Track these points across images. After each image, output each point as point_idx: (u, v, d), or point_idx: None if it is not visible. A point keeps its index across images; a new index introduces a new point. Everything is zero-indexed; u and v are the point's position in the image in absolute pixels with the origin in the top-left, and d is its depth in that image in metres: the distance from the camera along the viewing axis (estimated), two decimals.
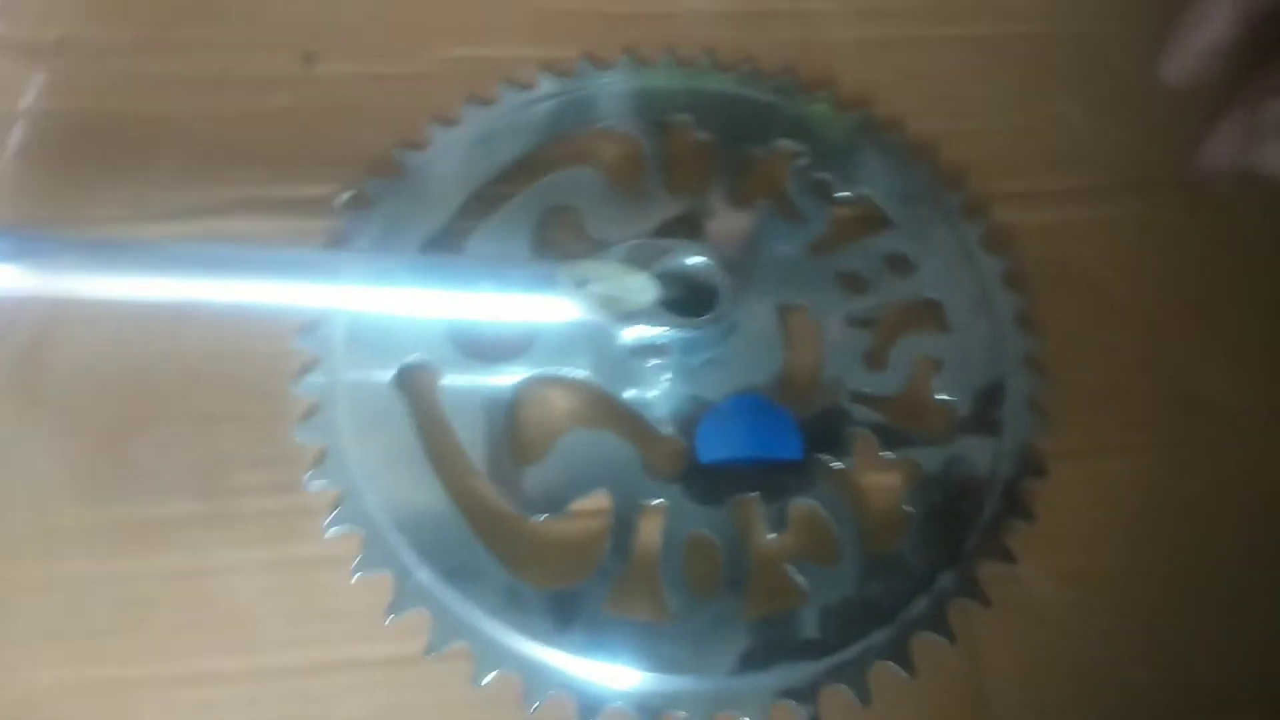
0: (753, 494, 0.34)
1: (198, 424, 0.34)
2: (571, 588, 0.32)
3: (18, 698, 0.32)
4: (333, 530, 0.33)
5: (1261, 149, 0.29)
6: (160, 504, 0.33)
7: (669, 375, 0.35)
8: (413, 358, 0.35)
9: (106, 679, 0.32)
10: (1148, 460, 0.36)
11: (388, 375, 0.35)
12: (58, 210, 0.37)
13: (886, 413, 0.36)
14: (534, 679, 0.31)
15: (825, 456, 0.35)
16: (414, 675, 0.32)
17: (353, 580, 0.32)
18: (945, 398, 0.36)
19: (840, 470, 0.35)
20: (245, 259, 0.33)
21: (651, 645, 0.32)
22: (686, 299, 0.34)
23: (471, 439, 0.34)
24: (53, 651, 0.32)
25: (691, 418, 0.35)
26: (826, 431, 0.35)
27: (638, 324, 0.33)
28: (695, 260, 0.34)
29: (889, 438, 0.35)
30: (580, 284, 0.33)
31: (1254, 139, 0.29)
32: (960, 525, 0.34)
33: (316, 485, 0.33)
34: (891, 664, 0.32)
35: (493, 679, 0.31)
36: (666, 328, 0.33)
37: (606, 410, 0.35)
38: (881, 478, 0.35)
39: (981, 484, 0.35)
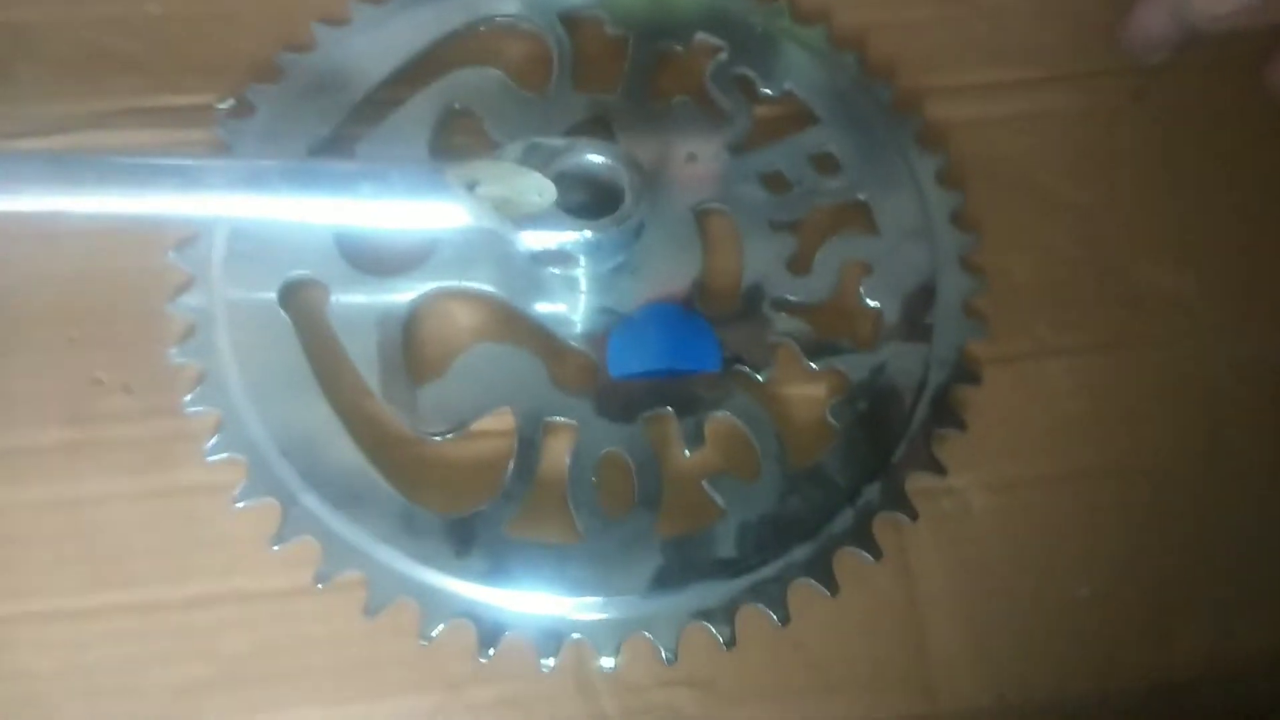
0: (667, 409, 0.32)
1: (67, 348, 0.32)
2: (472, 511, 0.30)
3: None
4: (213, 456, 0.30)
5: None
6: (27, 432, 0.31)
7: (579, 286, 0.33)
8: (298, 273, 0.33)
9: None
10: (1086, 362, 0.34)
11: (271, 293, 0.32)
12: None
13: (811, 320, 0.34)
14: (431, 607, 0.29)
15: (745, 368, 0.33)
16: (304, 607, 0.30)
17: (236, 508, 0.30)
18: (873, 303, 0.34)
19: (761, 382, 0.33)
20: (107, 168, 0.30)
21: (558, 568, 0.30)
22: (590, 201, 0.32)
23: (364, 358, 0.32)
24: None
25: (603, 330, 0.33)
26: (747, 341, 0.33)
27: (536, 229, 0.30)
28: (597, 159, 0.31)
29: (813, 347, 0.33)
30: (470, 186, 0.30)
31: None
32: (887, 436, 0.32)
33: (195, 409, 0.31)
34: (812, 581, 0.30)
35: (387, 609, 0.29)
36: (567, 231, 0.30)
37: (511, 324, 0.33)
38: (805, 389, 0.33)
39: (911, 392, 0.33)
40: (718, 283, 0.34)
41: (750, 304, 0.34)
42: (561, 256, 0.32)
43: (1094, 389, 0.34)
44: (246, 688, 0.29)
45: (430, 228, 0.32)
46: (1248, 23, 0.25)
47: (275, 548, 0.30)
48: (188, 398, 0.31)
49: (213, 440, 0.31)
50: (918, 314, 0.34)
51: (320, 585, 0.30)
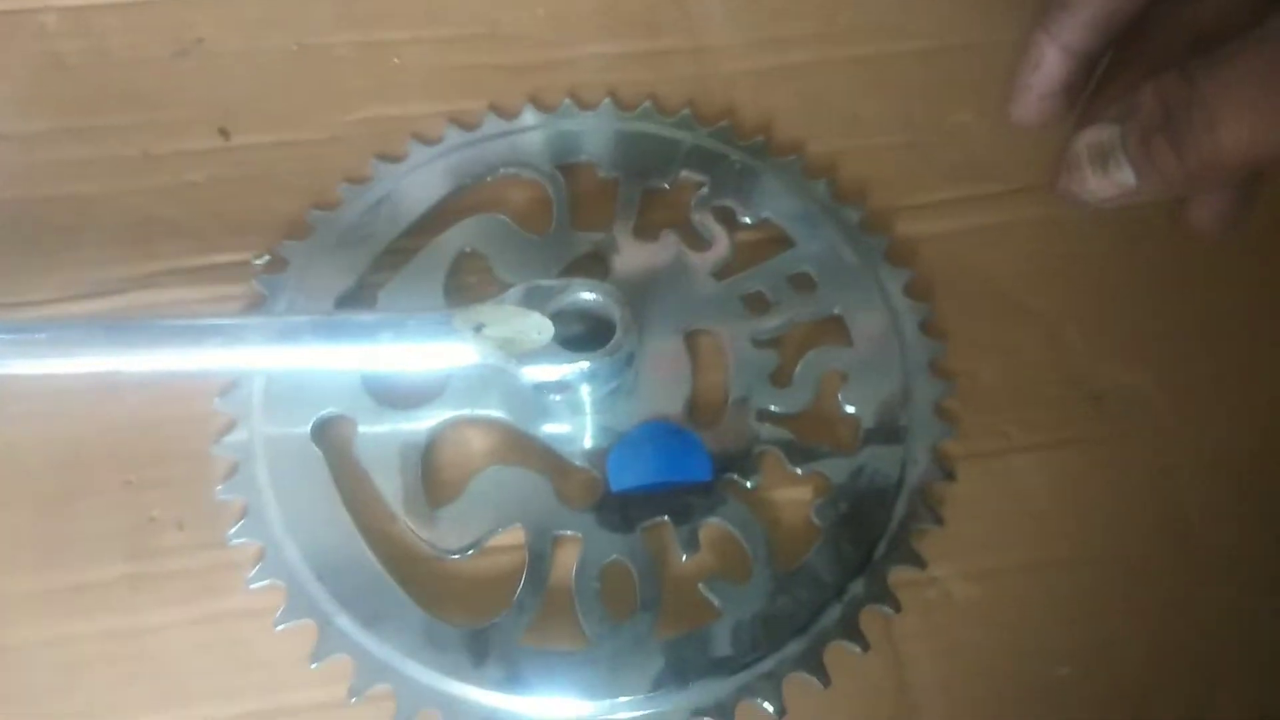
0: (663, 518, 0.35)
1: (125, 490, 0.36)
2: (488, 623, 0.33)
3: None
4: (256, 584, 0.34)
5: (1065, 180, 0.29)
6: (92, 569, 0.35)
7: (582, 408, 0.36)
8: (329, 410, 0.36)
9: None
10: (1053, 456, 0.36)
11: (305, 429, 0.36)
12: None
13: (794, 429, 0.37)
14: (454, 716, 0.32)
15: (734, 476, 0.36)
16: (339, 719, 0.33)
17: (276, 630, 0.33)
18: (851, 410, 0.37)
19: (749, 489, 0.36)
20: (158, 331, 0.34)
21: (568, 673, 0.33)
22: (587, 333, 0.35)
23: (388, 484, 0.35)
24: None
25: (605, 447, 0.36)
26: (735, 452, 0.36)
27: (537, 363, 0.34)
28: (590, 296, 0.35)
29: (797, 453, 0.36)
30: (477, 329, 0.34)
31: (1062, 169, 0.29)
32: (869, 533, 0.35)
33: (239, 540, 0.35)
34: (805, 674, 0.33)
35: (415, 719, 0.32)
36: (565, 365, 0.34)
37: (520, 446, 0.37)
38: (790, 493, 0.36)
39: (889, 491, 0.35)
40: (707, 398, 0.37)
41: (737, 416, 0.37)
42: (562, 385, 0.35)
43: (1062, 482, 0.36)
44: None
45: (444, 367, 0.35)
46: (1135, 201, 0.28)
47: (313, 665, 0.33)
48: (232, 530, 0.35)
49: (255, 569, 0.34)
50: (893, 417, 0.37)
51: (353, 699, 0.33)
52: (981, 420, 0.37)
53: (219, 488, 0.35)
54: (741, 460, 0.36)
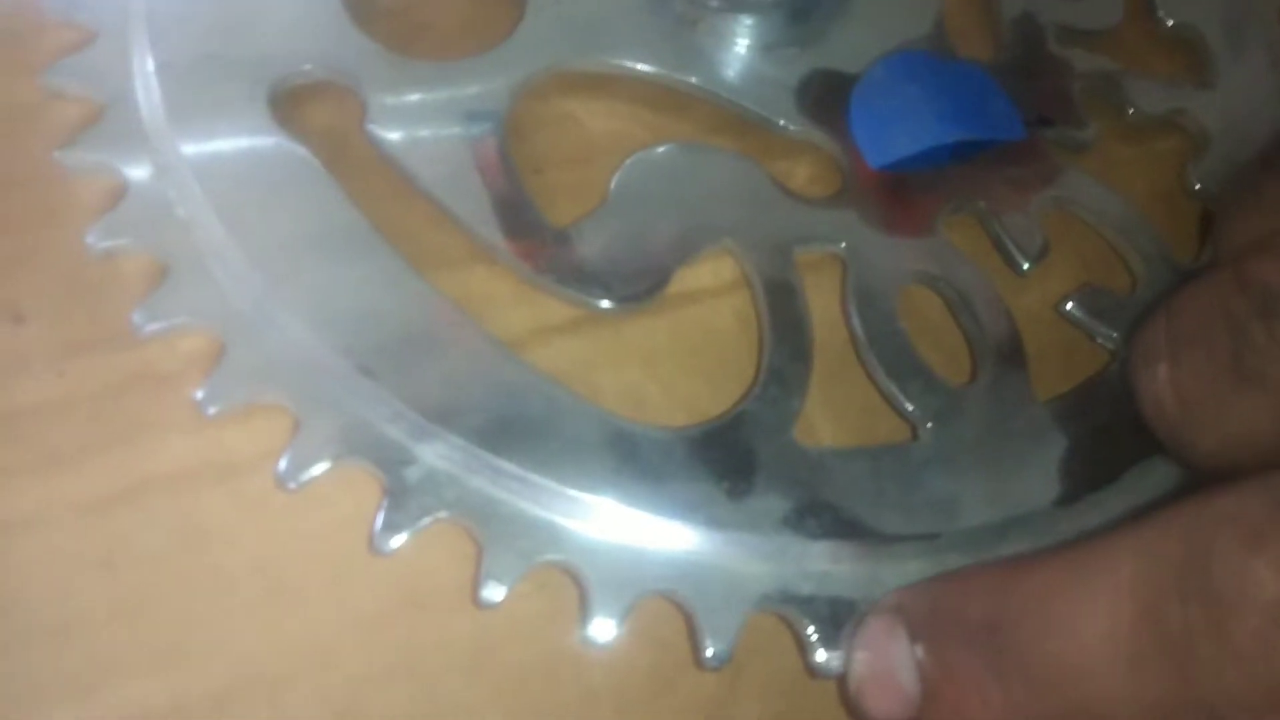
0: (978, 204, 0.19)
1: None
2: (733, 414, 0.17)
3: None
4: (216, 407, 0.15)
5: None
6: None
7: (764, 38, 0.20)
8: (300, 71, 0.18)
9: None
10: None
11: (258, 109, 0.17)
12: None
13: (1111, 54, 0.22)
14: (709, 599, 0.16)
15: (1057, 129, 0.20)
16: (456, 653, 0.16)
17: (293, 486, 0.15)
18: (1173, 22, 0.22)
19: (1084, 145, 0.21)
20: None
21: (905, 488, 0.17)
22: None
23: (456, 200, 0.18)
24: None
25: (826, 99, 0.20)
26: (1046, 92, 0.21)
27: None
28: None
29: (1137, 89, 0.21)
30: None
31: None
32: None
33: (159, 327, 0.16)
34: None
35: (634, 612, 0.15)
36: None
37: (677, 116, 0.20)
38: (1145, 146, 0.21)
39: None
40: (968, 17, 0.22)
41: (1029, 41, 0.21)
42: None
43: None
44: None
45: None
46: None
47: (384, 550, 0.15)
48: (138, 313, 0.16)
49: (211, 380, 0.16)
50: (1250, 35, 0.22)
51: (493, 598, 0.15)
52: None
53: (93, 233, 0.16)
54: (1061, 104, 0.21)
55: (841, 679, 0.16)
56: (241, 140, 0.17)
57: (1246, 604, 0.12)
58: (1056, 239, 0.19)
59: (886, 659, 0.15)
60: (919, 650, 0.15)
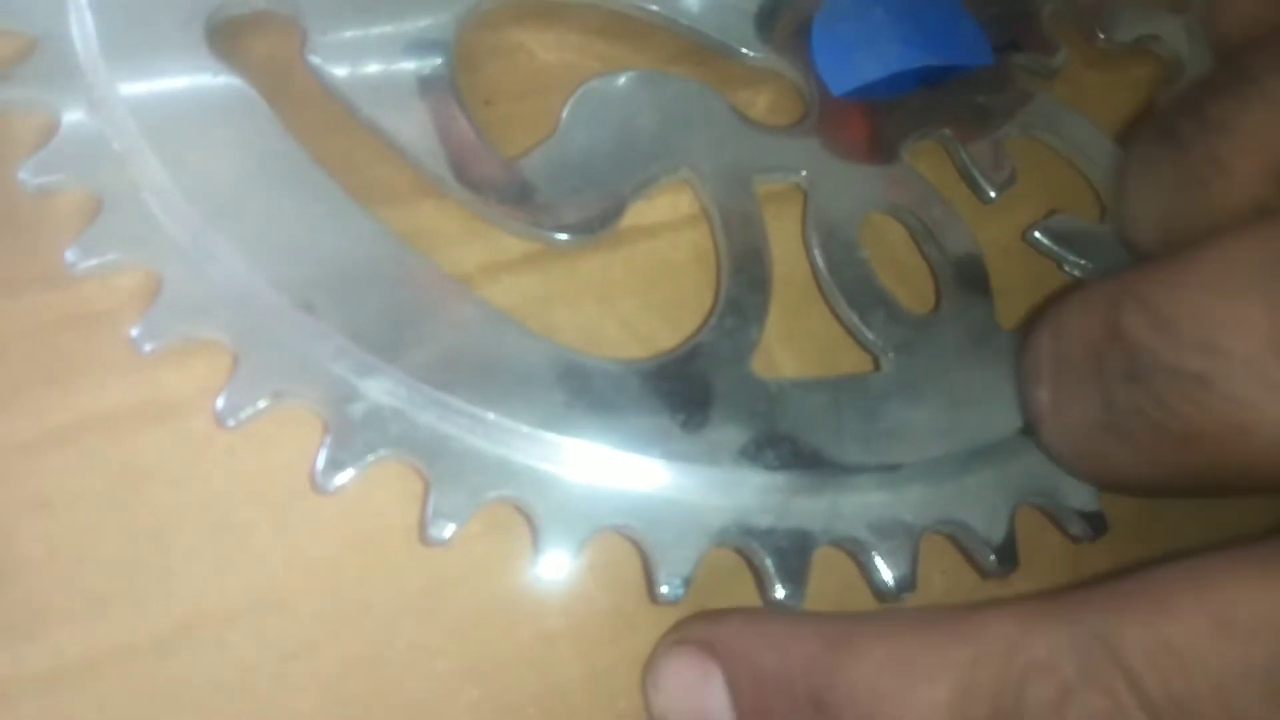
0: (943, 131, 0.19)
1: None
2: (688, 346, 0.16)
3: None
4: (154, 343, 0.15)
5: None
6: None
7: None
8: (234, 1, 0.17)
9: None
10: None
11: (195, 44, 0.17)
12: None
13: None
14: (667, 535, 0.15)
15: (1025, 55, 0.20)
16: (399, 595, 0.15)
17: (233, 424, 0.15)
18: None
19: (1053, 71, 0.20)
20: None
21: (866, 419, 0.16)
22: None
23: (402, 133, 0.17)
24: None
25: (788, 26, 0.19)
26: (1013, 15, 0.20)
27: None
28: None
29: (1108, 14, 0.21)
30: None
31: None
32: None
33: (100, 264, 0.15)
34: None
35: (590, 541, 0.15)
36: None
37: (640, 42, 0.19)
38: (1113, 74, 0.21)
39: None
40: None
41: None
42: None
43: None
44: None
45: None
46: None
47: (327, 487, 0.15)
48: (72, 250, 0.15)
49: (148, 316, 0.15)
50: None
51: (441, 535, 0.15)
52: None
53: (22, 169, 0.16)
54: (1029, 28, 0.20)
55: None
56: (178, 73, 0.17)
57: None
58: (1024, 167, 0.19)
59: (699, 700, 0.14)
60: (737, 704, 0.14)
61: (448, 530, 0.15)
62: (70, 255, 0.15)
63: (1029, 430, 0.16)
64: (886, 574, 0.15)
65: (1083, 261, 0.18)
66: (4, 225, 0.16)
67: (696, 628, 0.15)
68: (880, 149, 0.18)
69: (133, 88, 0.16)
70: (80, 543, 0.15)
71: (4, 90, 0.16)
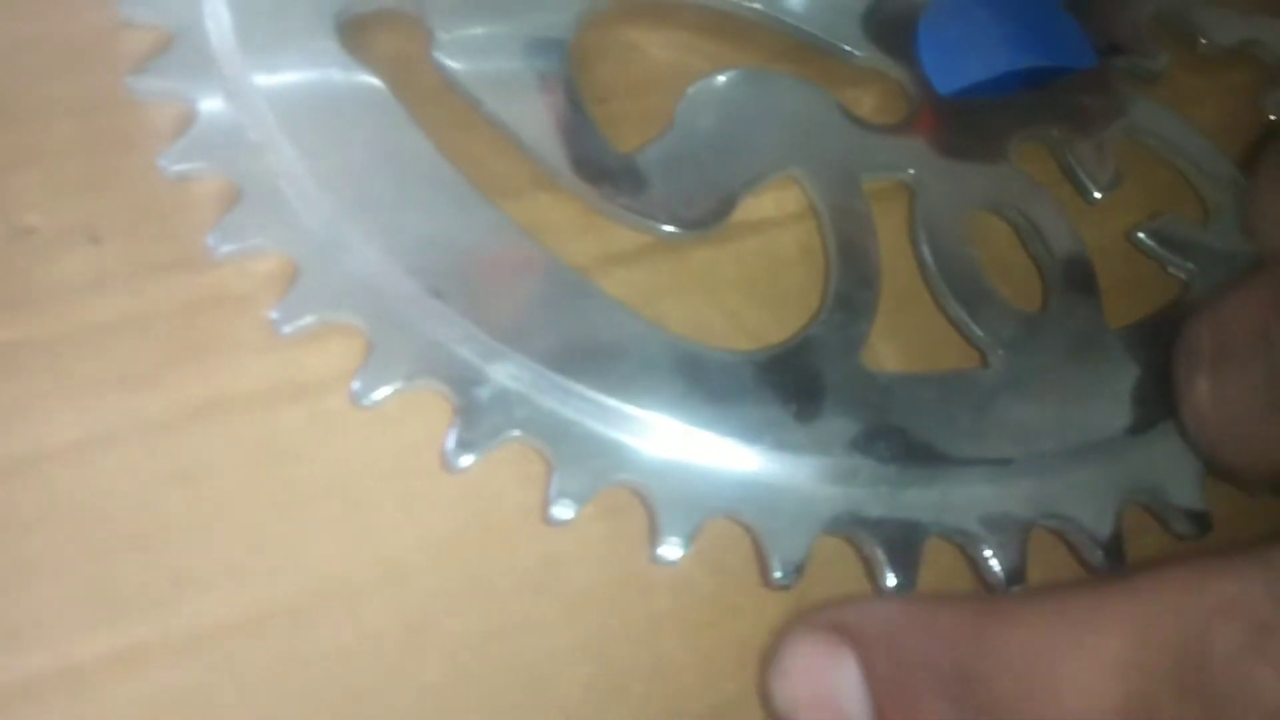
0: (1050, 132, 0.19)
1: None
2: (799, 339, 0.17)
3: None
4: (292, 325, 0.16)
5: None
6: None
7: None
8: (367, 5, 0.18)
9: None
10: None
11: (328, 43, 0.17)
12: None
13: None
14: (779, 522, 0.16)
15: (1127, 58, 0.20)
16: (556, 547, 0.16)
17: (366, 403, 0.15)
18: None
19: (1155, 75, 0.20)
20: None
21: (967, 409, 0.16)
22: None
23: (515, 122, 0.18)
24: None
25: (893, 25, 0.19)
26: (1117, 20, 0.20)
27: None
28: None
29: (1209, 19, 0.21)
30: None
31: None
32: None
33: (234, 249, 0.16)
34: None
35: (700, 533, 0.16)
36: None
37: (746, 41, 0.19)
38: (1217, 76, 0.21)
39: None
40: None
41: None
42: None
43: None
44: None
45: None
46: None
47: (456, 469, 0.15)
48: (213, 235, 0.16)
49: (285, 300, 0.16)
50: None
51: (563, 516, 0.15)
52: None
53: (166, 157, 0.17)
54: (1132, 32, 0.20)
55: None
56: (310, 66, 0.17)
57: (1248, 710, 0.11)
58: (1127, 169, 0.19)
59: (829, 685, 0.14)
60: (874, 685, 0.13)
61: (569, 511, 0.15)
62: (211, 240, 0.16)
63: (1139, 430, 0.16)
64: (996, 566, 0.16)
65: (1188, 264, 0.18)
66: (146, 211, 0.17)
67: (823, 614, 0.15)
68: (987, 148, 0.19)
69: (267, 80, 0.17)
70: (218, 515, 0.15)
71: (143, 81, 0.17)
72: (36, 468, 0.15)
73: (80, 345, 0.16)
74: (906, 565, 0.15)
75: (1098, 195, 0.19)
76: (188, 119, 0.17)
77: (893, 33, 0.19)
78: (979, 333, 0.17)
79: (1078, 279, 0.18)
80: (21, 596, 0.14)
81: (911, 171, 0.18)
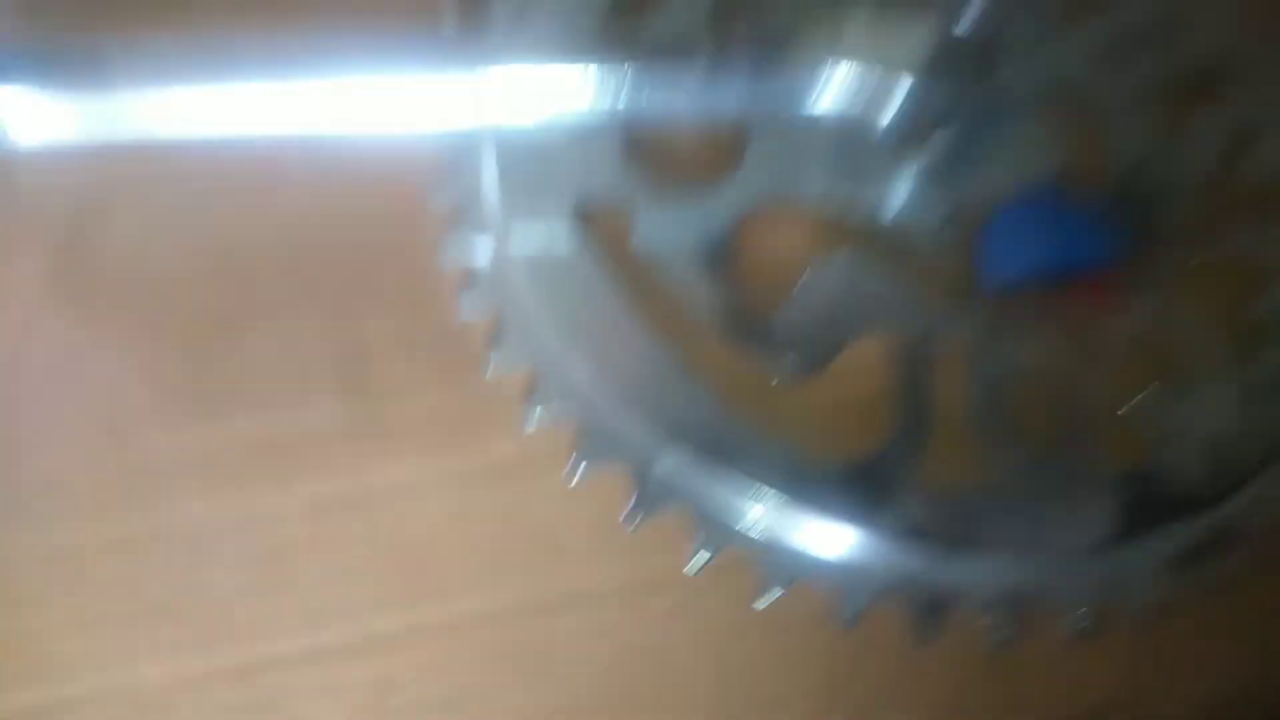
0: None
1: (320, 306, 0.25)
2: (879, 454, 0.24)
3: (124, 700, 0.23)
4: (535, 420, 0.24)
5: None
6: (288, 415, 0.24)
7: (921, 176, 0.27)
8: (589, 195, 0.26)
9: (243, 664, 0.23)
10: None
11: (561, 221, 0.26)
12: None
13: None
14: (849, 582, 0.23)
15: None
16: (669, 603, 0.23)
17: (573, 482, 0.23)
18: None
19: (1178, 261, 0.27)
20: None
21: (994, 520, 0.23)
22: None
23: (689, 290, 0.25)
24: (164, 635, 0.23)
25: (963, 225, 0.27)
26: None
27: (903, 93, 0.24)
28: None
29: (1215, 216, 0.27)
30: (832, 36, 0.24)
31: None
32: None
33: (500, 368, 0.24)
34: None
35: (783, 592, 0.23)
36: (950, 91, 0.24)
37: (852, 232, 0.27)
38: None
39: None
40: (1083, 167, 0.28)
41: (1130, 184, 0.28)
42: (917, 132, 0.25)
43: None
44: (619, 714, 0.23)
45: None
46: None
47: (630, 527, 0.23)
48: (489, 355, 0.24)
49: (530, 400, 0.24)
50: None
51: (693, 572, 0.23)
52: None
53: (462, 300, 0.25)
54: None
55: None
56: (549, 238, 0.26)
57: None
58: (1146, 340, 0.26)
59: None
60: None
61: (701, 561, 0.23)
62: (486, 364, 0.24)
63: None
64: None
65: None
66: (438, 339, 0.25)
67: None
68: (1029, 324, 0.25)
69: (521, 248, 0.25)
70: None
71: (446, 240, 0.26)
72: None
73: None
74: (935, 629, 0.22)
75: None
76: (465, 277, 0.25)
77: (962, 235, 0.26)
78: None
79: (1081, 426, 0.24)
80: None
81: (970, 338, 0.25)
